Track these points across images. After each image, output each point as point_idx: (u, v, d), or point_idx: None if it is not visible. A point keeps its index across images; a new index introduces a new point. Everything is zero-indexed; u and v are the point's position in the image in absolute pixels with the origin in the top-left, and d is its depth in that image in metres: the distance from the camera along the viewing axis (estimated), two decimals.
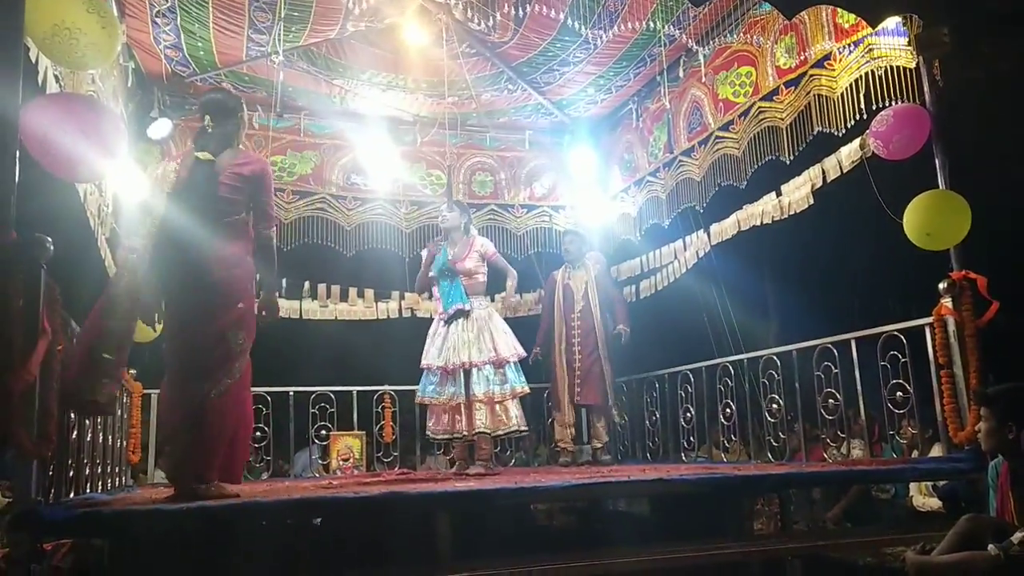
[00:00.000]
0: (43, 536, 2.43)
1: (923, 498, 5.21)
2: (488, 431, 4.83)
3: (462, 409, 4.78)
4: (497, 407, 4.84)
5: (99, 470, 3.93)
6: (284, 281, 6.49)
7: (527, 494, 3.02)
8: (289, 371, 6.53)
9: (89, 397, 2.96)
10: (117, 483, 4.60)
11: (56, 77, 3.38)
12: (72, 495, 3.14)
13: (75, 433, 3.24)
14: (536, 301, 7.24)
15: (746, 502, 3.74)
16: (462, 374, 4.78)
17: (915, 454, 4.62)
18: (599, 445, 6.11)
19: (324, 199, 6.67)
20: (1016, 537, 2.72)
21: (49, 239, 2.58)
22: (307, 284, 6.70)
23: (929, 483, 5.09)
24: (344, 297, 6.79)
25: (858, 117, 4.53)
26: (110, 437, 4.30)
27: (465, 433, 4.80)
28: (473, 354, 4.79)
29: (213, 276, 3.29)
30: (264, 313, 3.54)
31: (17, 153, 2.53)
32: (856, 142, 4.75)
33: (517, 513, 3.33)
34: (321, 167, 6.72)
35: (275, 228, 3.60)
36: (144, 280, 3.17)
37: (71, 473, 3.17)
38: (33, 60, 2.96)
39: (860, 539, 3.62)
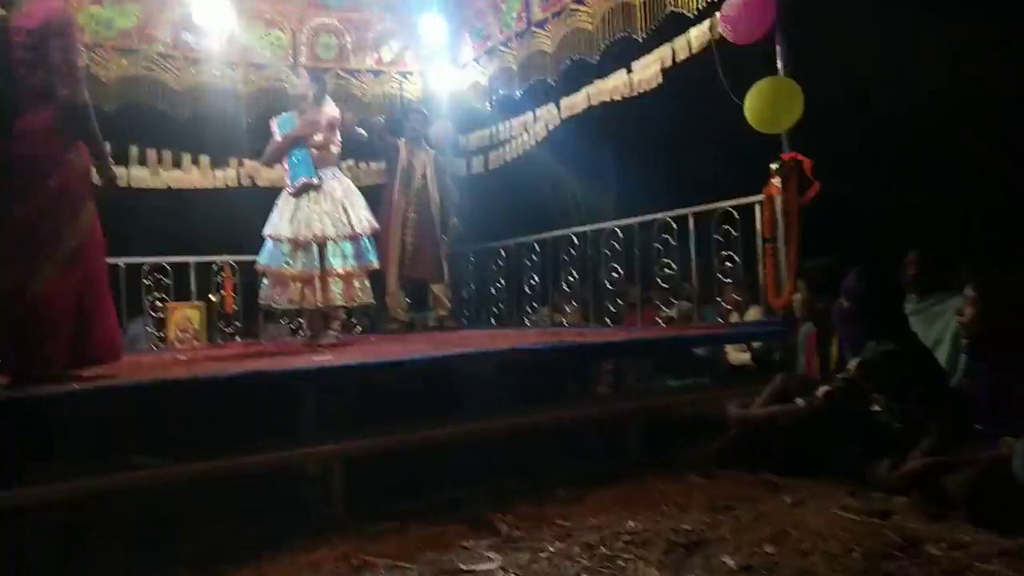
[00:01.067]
0: None
1: (737, 355, 5.76)
2: (344, 303, 4.85)
3: (316, 281, 4.70)
4: (355, 280, 4.83)
5: None
6: (107, 145, 5.94)
7: (396, 367, 3.09)
8: (119, 243, 6.10)
9: None
10: None
11: None
12: None
13: None
14: (380, 171, 7.12)
15: (592, 368, 4.02)
16: (315, 247, 4.68)
17: (733, 318, 5.08)
18: (443, 313, 6.32)
19: (150, 57, 6.08)
20: (819, 391, 3.11)
21: None
22: (135, 149, 6.19)
23: None
24: (177, 164, 6.35)
25: None
26: None
27: (320, 305, 4.75)
28: (328, 228, 4.67)
29: (18, 155, 2.93)
30: (104, 183, 3.22)
31: None
32: (706, 23, 4.87)
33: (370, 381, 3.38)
34: (146, 22, 6.07)
35: (80, 86, 3.03)
36: None
37: None
38: None
39: (688, 396, 4.00)
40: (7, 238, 2.91)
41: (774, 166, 4.35)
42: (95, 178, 3.27)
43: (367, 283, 4.99)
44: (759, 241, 4.43)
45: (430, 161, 6.35)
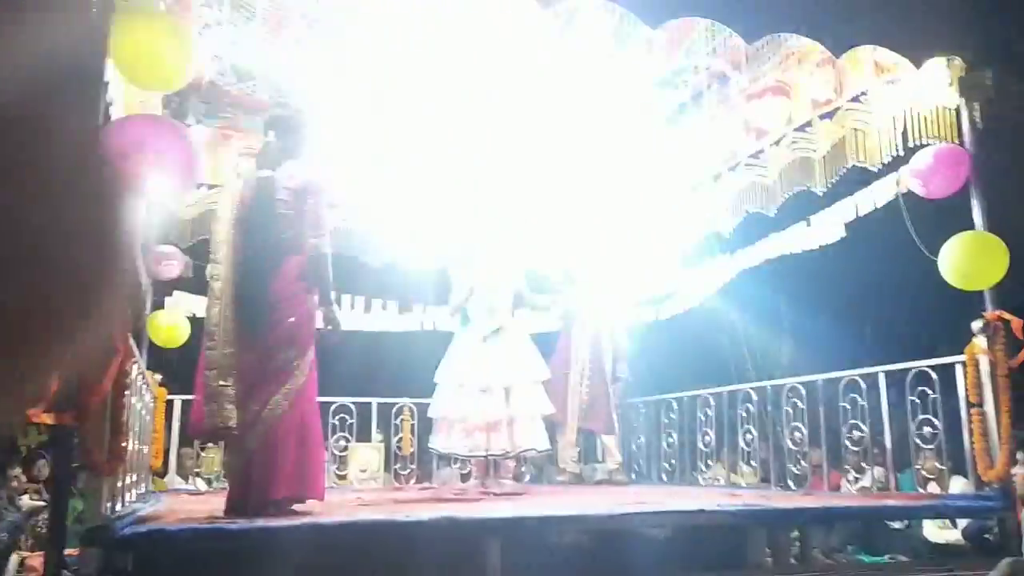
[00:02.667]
0: (113, 552, 2.45)
1: (938, 531, 5.26)
2: (523, 451, 4.91)
3: (500, 427, 4.77)
4: (534, 427, 4.90)
5: (130, 478, 3.96)
6: None
7: (575, 523, 3.05)
8: None
9: (219, 424, 3.11)
10: (143, 490, 4.62)
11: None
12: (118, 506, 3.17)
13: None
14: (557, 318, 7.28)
15: (782, 536, 3.78)
16: (501, 391, 4.81)
17: (932, 487, 4.67)
18: (614, 466, 6.23)
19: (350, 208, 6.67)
20: None
21: None
22: (333, 294, 6.69)
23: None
24: (368, 309, 6.81)
25: (894, 153, 4.59)
26: (136, 443, 4.32)
27: (504, 450, 4.79)
28: (512, 372, 4.81)
29: (269, 294, 3.29)
30: (327, 327, 3.51)
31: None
32: (891, 177, 4.81)
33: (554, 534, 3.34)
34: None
35: (327, 238, 3.44)
36: (227, 305, 3.22)
37: (118, 483, 3.19)
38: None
39: (895, 573, 3.65)
40: (248, 370, 3.22)
41: (977, 325, 4.09)
42: (320, 322, 3.57)
43: (544, 431, 5.03)
44: (962, 405, 4.12)
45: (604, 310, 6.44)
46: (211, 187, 6.19)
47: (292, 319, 3.32)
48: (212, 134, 6.12)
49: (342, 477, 6.18)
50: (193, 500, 4.55)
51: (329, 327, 3.52)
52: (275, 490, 3.12)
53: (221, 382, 3.08)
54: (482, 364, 4.83)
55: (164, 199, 3.35)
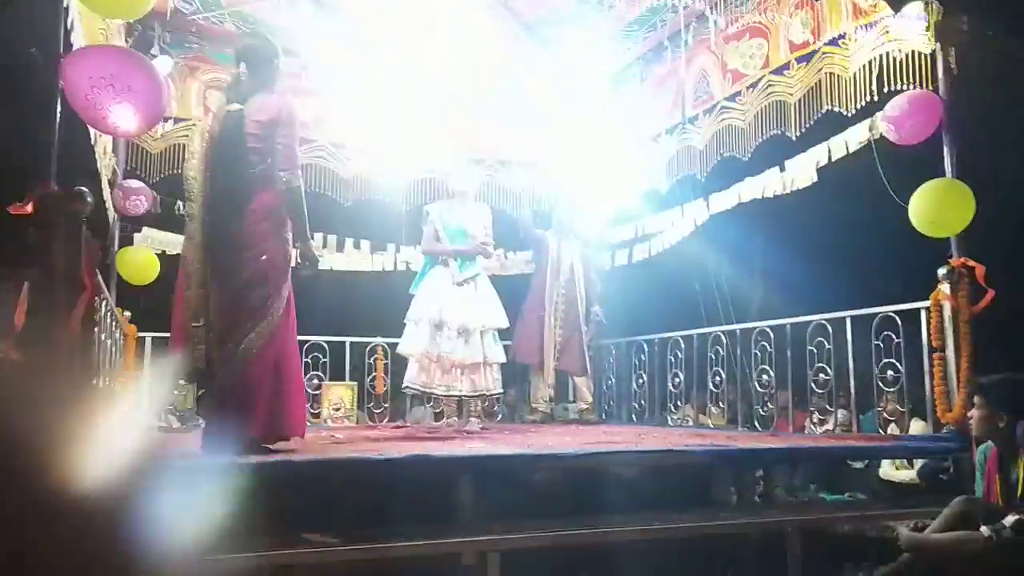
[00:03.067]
0: None
1: (893, 471, 5.42)
2: (490, 392, 5.09)
3: (467, 368, 4.86)
4: (494, 368, 5.05)
5: None
6: None
7: (549, 460, 3.11)
8: None
9: (196, 366, 3.10)
10: None
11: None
12: None
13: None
14: (526, 261, 7.29)
15: (749, 474, 3.89)
16: (479, 335, 4.87)
17: (892, 429, 4.80)
18: (585, 406, 6.38)
19: (323, 147, 6.58)
20: (1008, 520, 2.88)
21: (87, 191, 2.55)
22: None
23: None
24: (340, 248, 6.76)
25: (869, 98, 4.59)
26: (105, 380, 4.30)
27: (470, 391, 4.90)
28: (486, 318, 4.91)
29: (241, 231, 3.21)
30: (303, 263, 3.48)
31: (59, 106, 2.49)
32: (865, 123, 4.82)
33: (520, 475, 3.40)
34: (324, 115, 6.61)
35: (297, 171, 3.37)
36: (198, 244, 3.15)
37: None
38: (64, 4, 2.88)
39: (852, 512, 3.78)
40: (222, 309, 3.18)
41: (942, 271, 4.17)
42: (296, 257, 3.50)
43: (500, 375, 5.21)
44: (924, 350, 4.22)
45: (577, 253, 6.52)
46: (177, 121, 6.06)
47: (264, 256, 3.24)
48: (178, 65, 5.96)
49: (316, 415, 6.21)
50: (166, 438, 4.55)
51: (306, 263, 3.47)
52: (250, 428, 3.09)
53: (193, 323, 3.06)
54: (461, 307, 4.87)
55: (129, 133, 3.23)
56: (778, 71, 5.25)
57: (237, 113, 3.31)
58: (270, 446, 3.23)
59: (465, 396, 4.98)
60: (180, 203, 5.73)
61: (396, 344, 5.91)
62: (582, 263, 6.53)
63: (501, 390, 5.37)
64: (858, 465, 5.79)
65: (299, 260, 3.49)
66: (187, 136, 6.02)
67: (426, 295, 5.07)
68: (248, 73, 3.36)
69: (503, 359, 5.20)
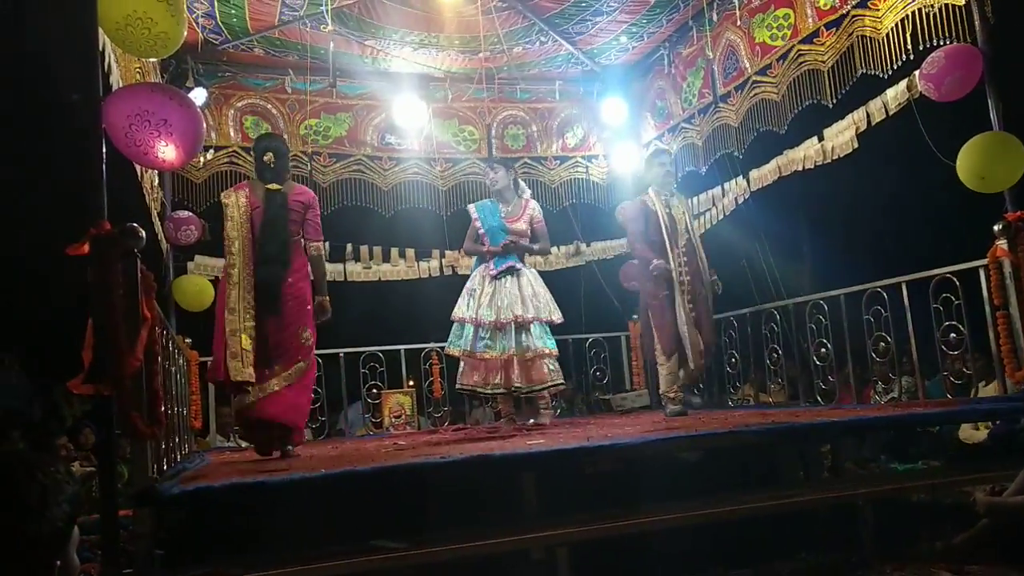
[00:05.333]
0: (163, 512, 2.55)
1: (970, 432, 5.29)
2: (558, 384, 5.03)
3: (515, 364, 4.86)
4: (547, 361, 4.96)
5: (172, 440, 4.07)
6: (327, 244, 6.57)
7: (609, 451, 3.12)
8: (338, 333, 6.64)
9: (239, 379, 3.88)
10: (186, 450, 4.75)
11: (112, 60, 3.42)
12: (164, 467, 3.27)
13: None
14: (572, 254, 7.30)
15: (811, 451, 3.84)
16: (513, 329, 4.85)
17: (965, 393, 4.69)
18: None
19: (360, 161, 6.69)
20: None
21: (139, 228, 2.64)
22: (349, 247, 6.76)
23: None
24: (386, 258, 6.86)
25: (904, 58, 4.48)
26: (174, 406, 4.43)
27: (521, 385, 4.89)
28: (528, 311, 4.86)
29: (294, 287, 4.14)
30: (320, 314, 4.31)
31: (104, 144, 2.58)
32: (903, 83, 4.72)
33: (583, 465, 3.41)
34: (355, 128, 6.72)
35: (322, 243, 4.40)
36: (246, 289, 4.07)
37: (162, 446, 3.29)
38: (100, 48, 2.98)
39: (923, 480, 3.71)
40: (278, 343, 4.10)
41: (998, 227, 4.05)
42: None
43: (558, 368, 5.13)
44: (987, 309, 4.10)
45: (688, 210, 5.48)
46: (218, 149, 6.22)
47: (309, 307, 4.21)
48: (212, 94, 6.12)
49: (377, 424, 6.32)
50: (235, 457, 4.68)
51: (322, 315, 4.33)
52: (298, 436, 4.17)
53: (244, 346, 3.88)
54: (494, 302, 4.88)
55: (172, 166, 3.35)
56: (807, 40, 5.16)
57: (280, 193, 4.23)
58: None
59: (514, 392, 4.95)
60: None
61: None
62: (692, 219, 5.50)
63: (560, 382, 5.12)
64: (931, 431, 5.66)
65: (316, 310, 4.30)
66: (229, 163, 6.21)
67: (465, 294, 5.09)
68: (278, 161, 4.31)
69: (551, 351, 5.02)
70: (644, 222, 5.27)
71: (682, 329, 5.10)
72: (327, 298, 4.34)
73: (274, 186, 4.23)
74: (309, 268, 4.29)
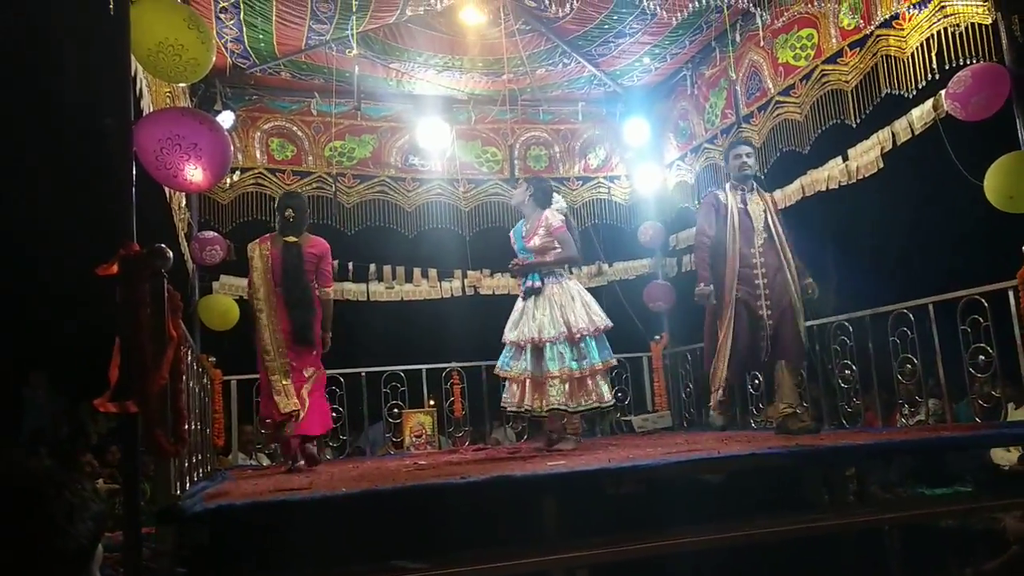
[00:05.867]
0: (185, 529, 2.57)
1: (1004, 455, 5.20)
2: (563, 408, 4.74)
3: (530, 385, 4.81)
4: (576, 383, 4.76)
5: (195, 458, 4.10)
6: (351, 264, 6.67)
7: (630, 474, 3.10)
8: (360, 352, 6.69)
9: (289, 411, 4.60)
10: (208, 468, 4.77)
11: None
12: (187, 485, 3.29)
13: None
14: (594, 274, 7.30)
15: (836, 475, 3.79)
16: (530, 350, 4.79)
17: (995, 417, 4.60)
18: (789, 408, 4.67)
19: (384, 182, 6.76)
20: None
21: (167, 248, 2.68)
22: (372, 267, 6.81)
23: None
24: (409, 278, 6.90)
25: (929, 77, 4.46)
26: (198, 424, 4.46)
27: (533, 408, 4.82)
28: (545, 331, 4.75)
29: (311, 331, 4.83)
30: (323, 348, 4.98)
31: (134, 167, 2.63)
32: (928, 103, 4.69)
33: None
34: (379, 150, 6.79)
35: (331, 287, 5.10)
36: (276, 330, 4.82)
37: (185, 464, 3.32)
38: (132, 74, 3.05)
39: (952, 506, 3.64)
40: (297, 370, 4.81)
41: None
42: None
43: (601, 385, 4.84)
44: (1016, 331, 4.04)
45: (770, 207, 4.94)
46: (244, 171, 6.31)
47: (316, 352, 4.94)
48: (240, 117, 6.22)
49: (397, 444, 6.32)
50: (257, 475, 4.70)
51: (326, 347, 5.04)
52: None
53: (284, 381, 4.68)
54: (520, 323, 4.87)
55: (200, 188, 3.41)
56: (831, 60, 5.16)
57: (296, 245, 4.87)
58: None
59: (533, 414, 4.91)
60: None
61: (470, 368, 6.01)
62: (780, 217, 4.92)
63: (595, 404, 4.78)
64: (961, 455, 5.56)
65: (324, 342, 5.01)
66: (255, 184, 6.31)
67: (511, 314, 5.09)
68: (294, 216, 4.91)
69: (585, 370, 4.73)
70: (713, 215, 4.86)
71: (726, 342, 4.72)
72: (330, 335, 5.04)
73: (291, 238, 4.88)
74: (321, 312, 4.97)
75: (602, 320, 4.90)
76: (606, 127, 7.33)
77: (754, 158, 5.00)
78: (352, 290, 6.73)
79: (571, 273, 5.31)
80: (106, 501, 5.22)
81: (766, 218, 4.85)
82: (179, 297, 2.74)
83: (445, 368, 6.41)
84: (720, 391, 4.81)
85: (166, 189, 4.20)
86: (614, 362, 5.01)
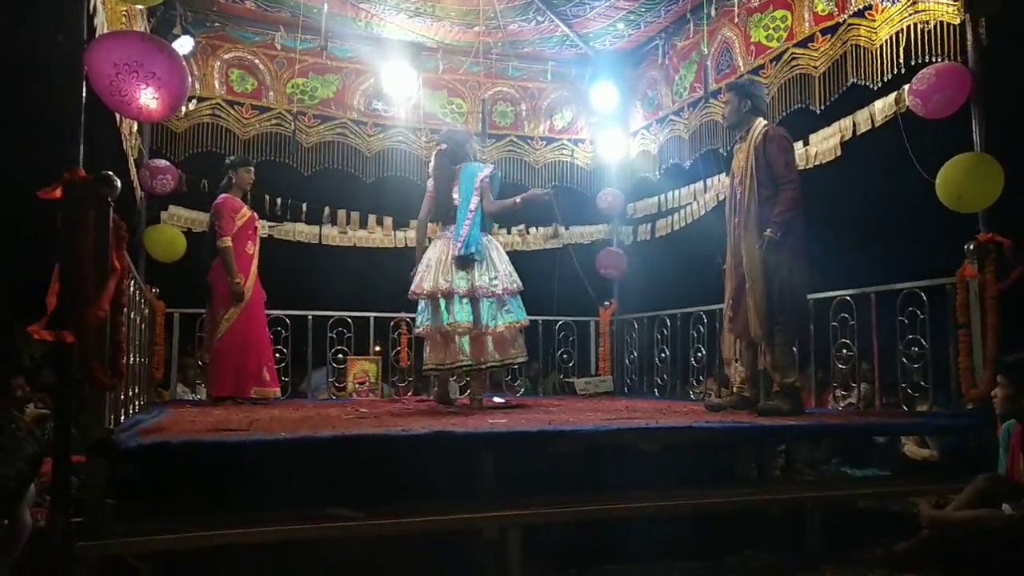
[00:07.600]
0: (118, 463, 2.53)
1: (915, 447, 5.40)
2: (498, 362, 4.78)
3: (466, 337, 4.69)
4: (506, 335, 4.74)
5: (132, 390, 4.03)
6: (304, 205, 6.56)
7: (569, 437, 3.14)
8: (308, 296, 6.61)
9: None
10: (144, 401, 4.70)
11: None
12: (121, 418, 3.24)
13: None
14: (550, 236, 7.30)
15: (767, 451, 3.90)
16: (469, 303, 4.64)
17: (920, 406, 4.78)
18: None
19: (345, 124, 6.63)
20: None
21: (115, 177, 2.60)
22: (327, 210, 6.71)
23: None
24: (363, 224, 6.82)
25: (895, 71, 4.52)
26: (136, 356, 4.38)
27: (475, 362, 4.72)
28: (481, 284, 4.63)
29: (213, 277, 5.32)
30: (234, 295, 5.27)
31: (84, 91, 2.53)
32: (892, 96, 4.75)
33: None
34: (343, 91, 6.64)
35: (224, 242, 5.29)
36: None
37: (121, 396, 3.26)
38: None
39: (874, 488, 3.79)
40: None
41: (968, 247, 4.11)
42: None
43: (521, 344, 4.88)
44: (950, 326, 4.18)
45: (751, 155, 4.43)
46: (201, 100, 6.12)
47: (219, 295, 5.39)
48: (199, 44, 6.01)
49: (341, 389, 6.31)
50: (195, 411, 4.64)
51: (235, 298, 5.32)
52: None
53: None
54: (449, 276, 4.66)
55: (153, 118, 3.29)
56: (802, 43, 5.18)
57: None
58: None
59: (463, 368, 4.77)
60: (205, 182, 5.91)
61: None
62: (758, 169, 4.39)
63: (515, 358, 4.85)
64: (881, 440, 5.77)
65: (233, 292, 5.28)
66: (211, 115, 6.13)
67: (420, 267, 4.94)
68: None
69: (507, 324, 4.71)
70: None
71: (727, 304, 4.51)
72: (236, 283, 5.28)
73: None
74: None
75: (518, 281, 4.86)
76: (574, 90, 7.27)
77: (731, 106, 4.61)
78: (304, 232, 6.63)
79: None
80: (38, 426, 5.11)
81: (745, 166, 4.42)
82: (125, 227, 2.66)
83: (394, 317, 6.39)
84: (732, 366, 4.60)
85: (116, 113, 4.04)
86: (526, 322, 4.92)
